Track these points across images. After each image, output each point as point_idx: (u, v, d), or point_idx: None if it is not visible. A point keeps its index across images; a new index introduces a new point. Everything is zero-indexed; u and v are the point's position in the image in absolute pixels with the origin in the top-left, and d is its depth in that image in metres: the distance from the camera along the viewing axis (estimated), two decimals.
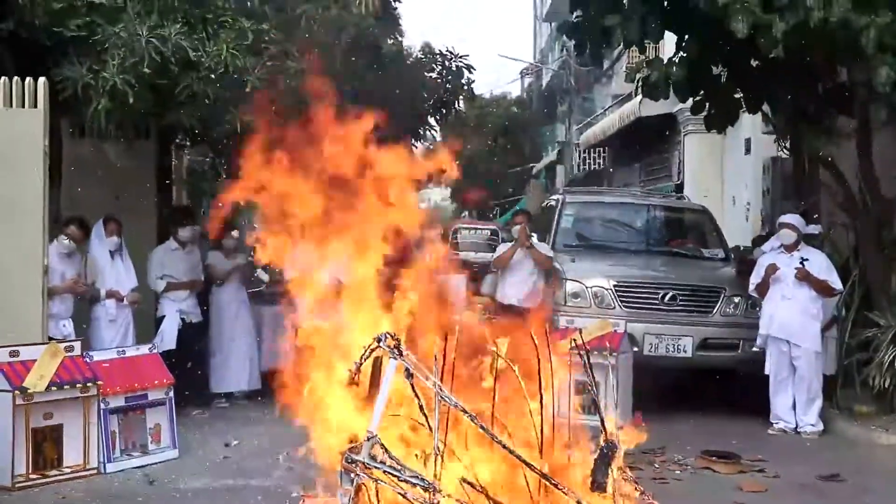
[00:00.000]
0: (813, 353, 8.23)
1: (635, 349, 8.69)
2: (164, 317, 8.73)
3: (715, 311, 9.14)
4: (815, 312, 8.25)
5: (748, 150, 16.56)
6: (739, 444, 7.79)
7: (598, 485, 4.56)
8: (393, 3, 12.51)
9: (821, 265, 8.33)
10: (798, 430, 8.29)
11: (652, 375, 8.74)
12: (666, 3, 9.09)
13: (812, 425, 8.25)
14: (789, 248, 8.39)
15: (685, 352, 8.97)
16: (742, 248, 11.54)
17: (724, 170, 18.66)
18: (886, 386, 8.20)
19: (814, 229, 9.15)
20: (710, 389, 9.63)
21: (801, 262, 8.24)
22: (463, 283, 8.87)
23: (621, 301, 9.09)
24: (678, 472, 7.20)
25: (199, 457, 6.84)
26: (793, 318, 8.22)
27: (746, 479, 7.00)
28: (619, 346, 8.13)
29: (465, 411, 4.23)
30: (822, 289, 8.25)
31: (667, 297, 9.11)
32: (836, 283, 8.36)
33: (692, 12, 8.41)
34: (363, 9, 8.44)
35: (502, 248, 9.87)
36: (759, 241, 10.58)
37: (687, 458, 7.35)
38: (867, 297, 9.01)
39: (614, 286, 9.15)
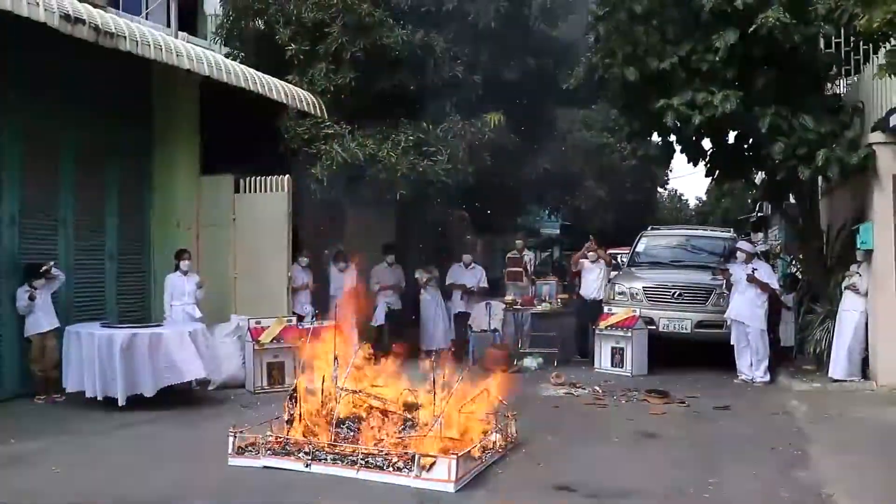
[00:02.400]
0: (759, 330, 11.72)
1: (652, 327, 12.77)
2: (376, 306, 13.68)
3: (708, 302, 12.93)
4: (759, 303, 11.75)
5: None
6: (706, 388, 11.15)
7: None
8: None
9: (764, 273, 11.96)
10: (753, 380, 11.62)
11: (665, 344, 12.76)
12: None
13: (761, 377, 11.71)
14: (745, 261, 11.98)
15: (686, 329, 12.88)
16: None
17: None
18: (819, 352, 11.60)
19: (763, 247, 16.27)
20: (701, 354, 12.84)
21: (752, 271, 11.76)
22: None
23: (647, 297, 13.22)
24: (623, 401, 10.25)
25: None
26: (745, 307, 11.76)
27: (656, 407, 9.82)
28: (635, 325, 12.46)
29: None
30: (765, 288, 11.76)
31: (675, 294, 13.09)
32: (774, 284, 12.21)
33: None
34: None
35: None
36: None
37: (636, 395, 10.49)
38: (813, 294, 12.56)
39: (643, 287, 13.31)
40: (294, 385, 7.59)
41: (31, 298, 9.78)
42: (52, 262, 10.17)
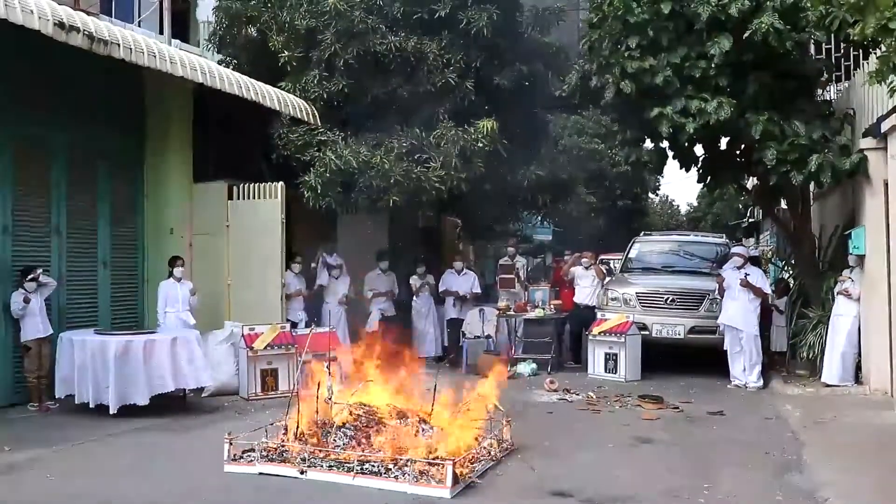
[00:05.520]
0: (752, 335, 11.76)
1: (645, 333, 12.81)
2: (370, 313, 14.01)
3: (701, 308, 12.91)
4: (752, 308, 11.81)
5: None
6: (700, 394, 11.25)
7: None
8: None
9: (757, 277, 12.02)
10: (746, 385, 11.65)
11: (658, 350, 12.95)
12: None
13: (754, 382, 11.73)
14: (739, 267, 12.00)
15: (679, 335, 12.94)
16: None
17: None
18: (812, 357, 11.82)
19: (754, 252, 15.27)
20: (695, 360, 13.03)
21: (745, 276, 11.84)
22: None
23: (640, 303, 13.31)
24: (617, 406, 10.32)
25: None
26: (738, 312, 11.82)
27: (650, 412, 9.84)
28: (628, 330, 12.54)
29: None
30: (758, 292, 11.84)
31: (668, 300, 13.15)
32: (767, 289, 12.37)
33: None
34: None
35: None
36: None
37: (630, 400, 10.59)
38: (806, 298, 12.66)
39: (636, 293, 13.41)
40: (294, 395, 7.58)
41: (26, 301, 9.77)
42: (39, 270, 10.14)
